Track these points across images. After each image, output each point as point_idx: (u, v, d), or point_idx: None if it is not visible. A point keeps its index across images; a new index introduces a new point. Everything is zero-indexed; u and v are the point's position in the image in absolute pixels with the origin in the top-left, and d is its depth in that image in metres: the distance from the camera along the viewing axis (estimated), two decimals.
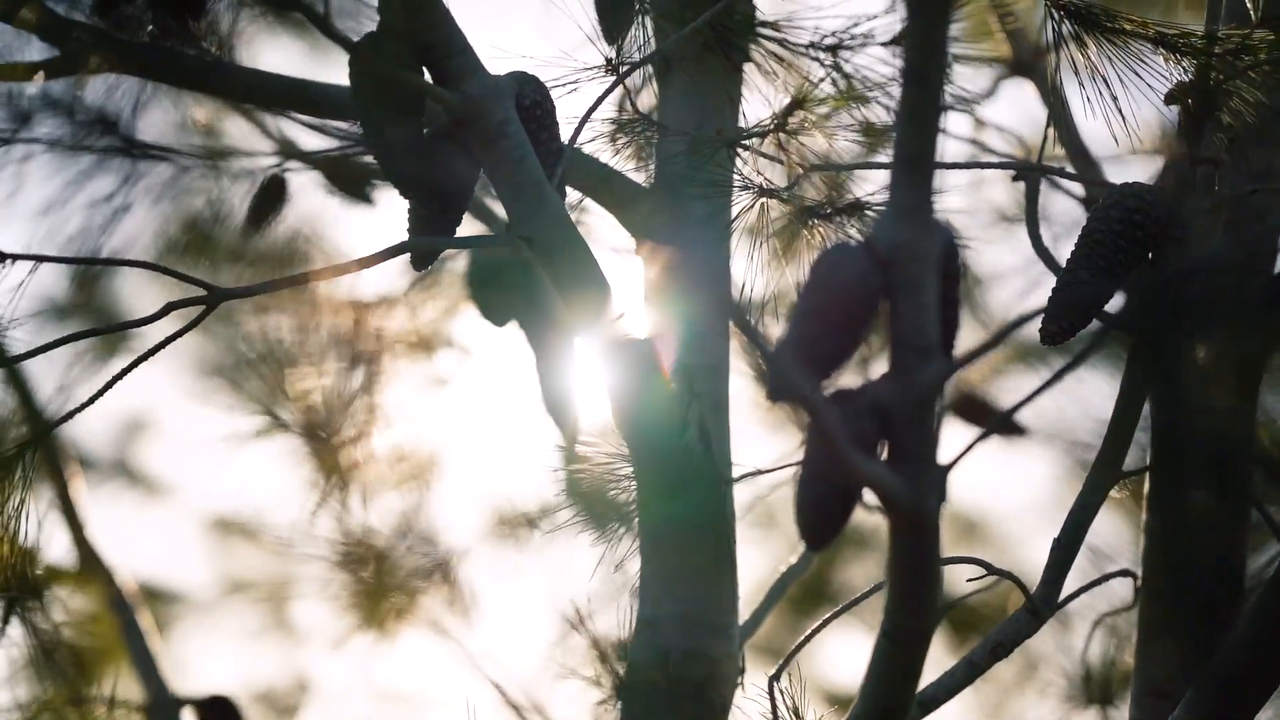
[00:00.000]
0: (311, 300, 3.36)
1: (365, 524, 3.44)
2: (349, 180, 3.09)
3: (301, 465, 3.37)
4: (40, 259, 1.83)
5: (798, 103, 2.22)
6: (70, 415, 1.81)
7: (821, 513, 1.44)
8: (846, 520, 1.48)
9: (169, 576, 4.82)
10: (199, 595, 4.89)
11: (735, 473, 2.30)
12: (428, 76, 1.93)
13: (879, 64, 2.34)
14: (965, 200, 3.25)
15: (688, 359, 2.19)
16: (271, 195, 3.04)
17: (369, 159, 2.79)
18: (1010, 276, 3.62)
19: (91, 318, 3.85)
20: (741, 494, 2.38)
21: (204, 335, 3.78)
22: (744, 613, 2.33)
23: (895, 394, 1.36)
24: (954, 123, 3.21)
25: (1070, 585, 2.15)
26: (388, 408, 3.38)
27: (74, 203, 2.07)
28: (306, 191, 3.09)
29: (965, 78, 2.52)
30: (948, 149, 3.13)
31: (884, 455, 1.39)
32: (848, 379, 1.43)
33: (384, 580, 3.51)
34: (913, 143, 1.28)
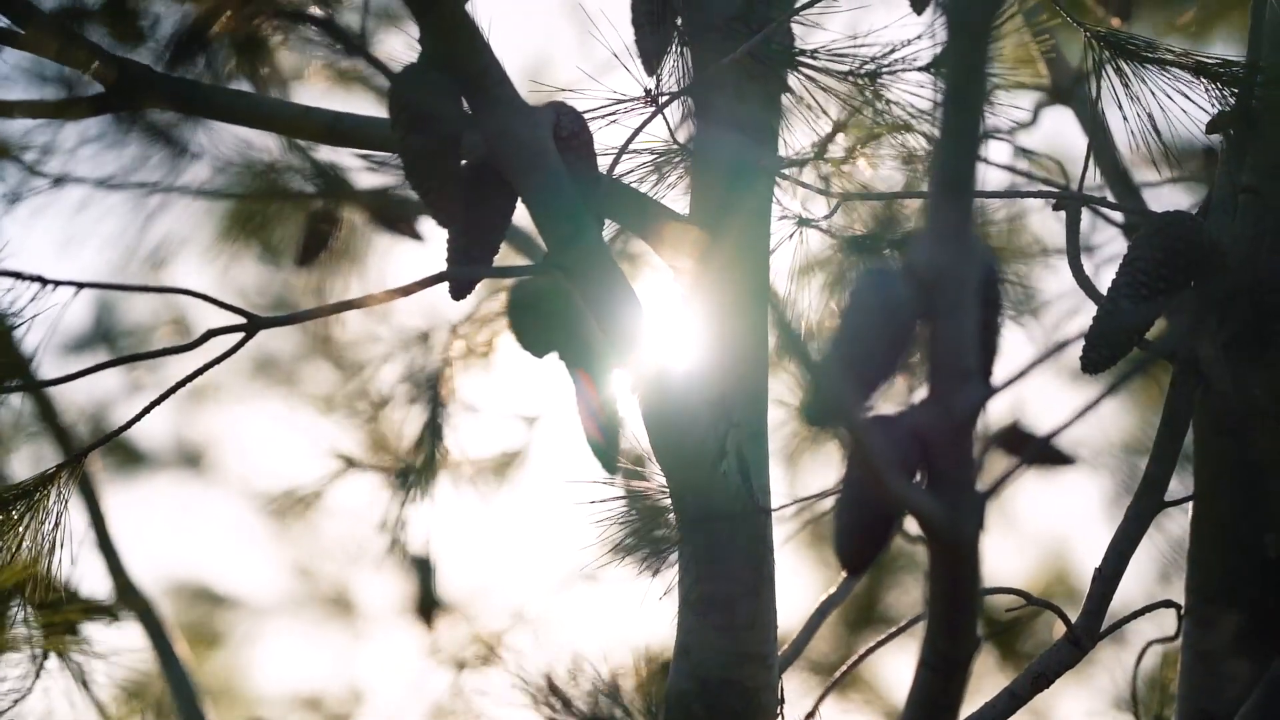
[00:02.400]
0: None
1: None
2: (397, 216, 3.11)
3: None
4: (81, 285, 1.84)
5: (838, 129, 2.22)
6: (106, 440, 1.83)
7: (860, 538, 1.43)
8: (885, 546, 1.48)
9: (228, 574, 4.83)
10: (259, 597, 4.90)
11: (774, 502, 2.30)
12: (466, 107, 1.94)
13: (919, 89, 2.34)
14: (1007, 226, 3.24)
15: (726, 387, 2.18)
16: (322, 229, 3.07)
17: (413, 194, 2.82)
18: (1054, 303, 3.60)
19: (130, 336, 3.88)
20: (780, 523, 2.37)
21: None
22: (783, 642, 2.32)
23: (934, 419, 1.35)
24: (994, 150, 3.20)
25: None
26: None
27: (111, 201, 2.09)
28: (356, 226, 3.12)
29: (1006, 104, 2.51)
30: (988, 177, 3.12)
31: (923, 481, 1.39)
32: (887, 404, 1.43)
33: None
34: (952, 166, 1.28)
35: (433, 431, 3.22)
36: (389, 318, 3.36)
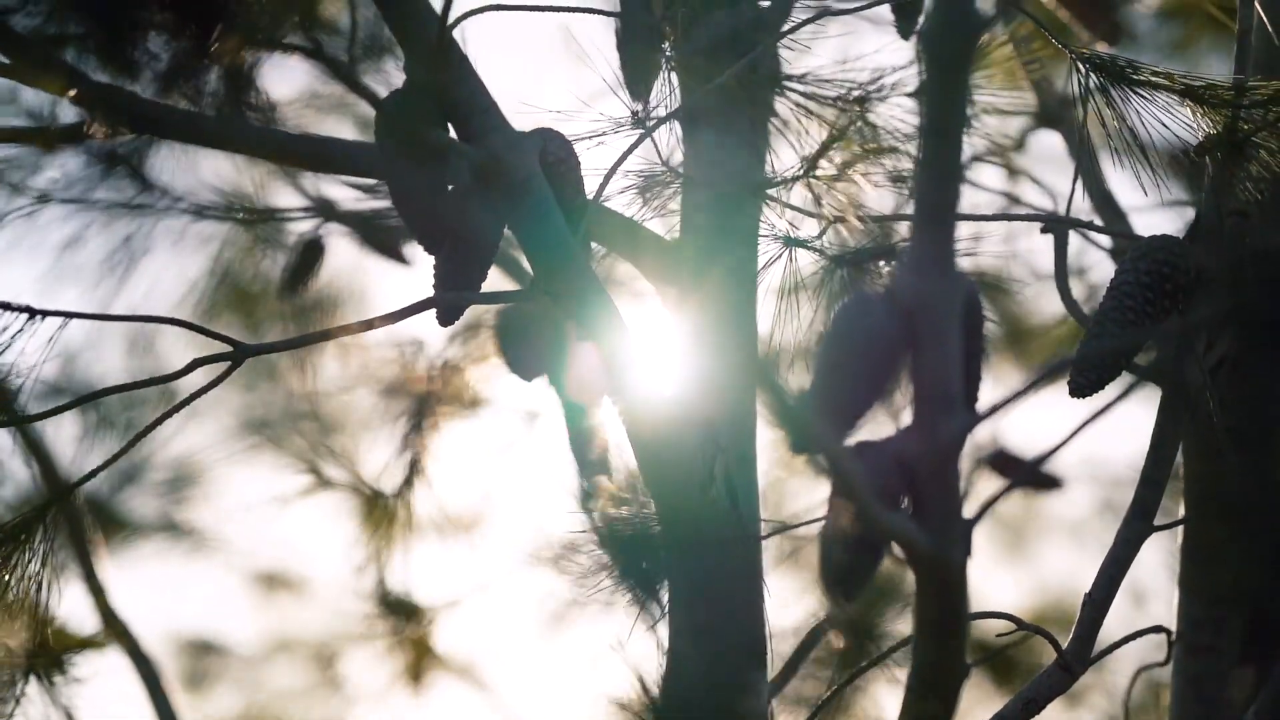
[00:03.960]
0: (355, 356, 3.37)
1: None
2: (384, 240, 3.11)
3: (347, 521, 3.37)
4: (69, 315, 1.83)
5: (825, 149, 2.22)
6: (93, 474, 1.81)
7: (846, 567, 1.43)
8: (872, 575, 1.48)
9: (213, 632, 4.82)
10: (244, 651, 4.88)
11: (763, 527, 2.29)
12: (452, 133, 1.94)
13: (908, 115, 2.34)
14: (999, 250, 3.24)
15: (714, 412, 2.18)
16: (309, 257, 3.06)
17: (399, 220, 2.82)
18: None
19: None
20: (770, 548, 2.36)
21: (245, 391, 3.79)
22: (773, 668, 2.31)
23: (918, 447, 1.35)
24: (984, 174, 3.21)
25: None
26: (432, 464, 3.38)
27: (92, 245, 2.09)
28: (343, 251, 3.12)
29: (993, 127, 2.52)
30: (978, 200, 3.13)
31: (908, 509, 1.39)
32: (873, 431, 1.43)
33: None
34: (933, 194, 1.28)
35: (412, 467, 3.23)
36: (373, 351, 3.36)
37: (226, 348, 1.87)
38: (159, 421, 1.84)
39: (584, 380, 1.98)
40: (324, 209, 3.00)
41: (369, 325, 2.00)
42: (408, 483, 3.29)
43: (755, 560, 2.22)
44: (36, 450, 3.16)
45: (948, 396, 1.33)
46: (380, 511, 3.30)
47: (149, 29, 1.79)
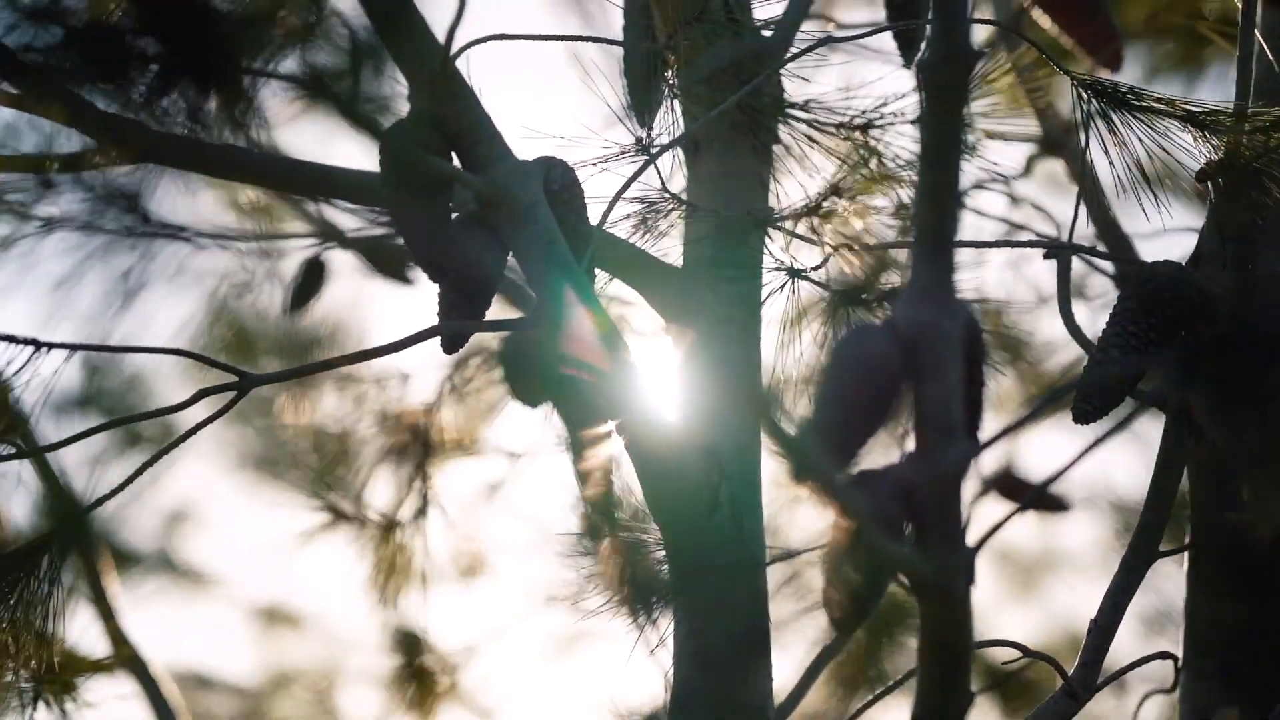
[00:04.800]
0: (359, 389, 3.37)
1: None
2: (387, 261, 3.11)
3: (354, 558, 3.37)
4: (75, 347, 1.84)
5: (833, 191, 2.23)
6: (98, 504, 1.82)
7: (849, 596, 1.43)
8: (876, 604, 1.48)
9: (215, 667, 4.82)
10: (246, 684, 4.88)
11: (768, 553, 2.29)
12: (456, 162, 1.95)
13: (911, 143, 2.35)
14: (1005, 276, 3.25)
15: (718, 439, 2.18)
16: (312, 278, 3.07)
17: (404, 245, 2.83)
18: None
19: (112, 402, 3.87)
20: (775, 574, 2.36)
21: (247, 426, 3.80)
22: (779, 694, 2.31)
23: (920, 475, 1.35)
24: (987, 199, 3.22)
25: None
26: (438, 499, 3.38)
27: (90, 280, 2.09)
28: (346, 273, 3.13)
29: (996, 153, 2.52)
30: (982, 226, 3.13)
31: (911, 537, 1.39)
32: (875, 459, 1.43)
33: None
34: (932, 223, 1.29)
35: (422, 494, 3.23)
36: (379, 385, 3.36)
37: (232, 378, 1.87)
38: (165, 451, 1.85)
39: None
40: (327, 232, 3.01)
41: (372, 355, 2.00)
42: (414, 514, 3.29)
43: (760, 586, 2.22)
44: (44, 470, 3.17)
45: (949, 425, 1.34)
46: (385, 545, 3.30)
47: (147, 62, 1.81)
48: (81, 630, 3.25)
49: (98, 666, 2.75)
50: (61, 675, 2.34)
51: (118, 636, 3.46)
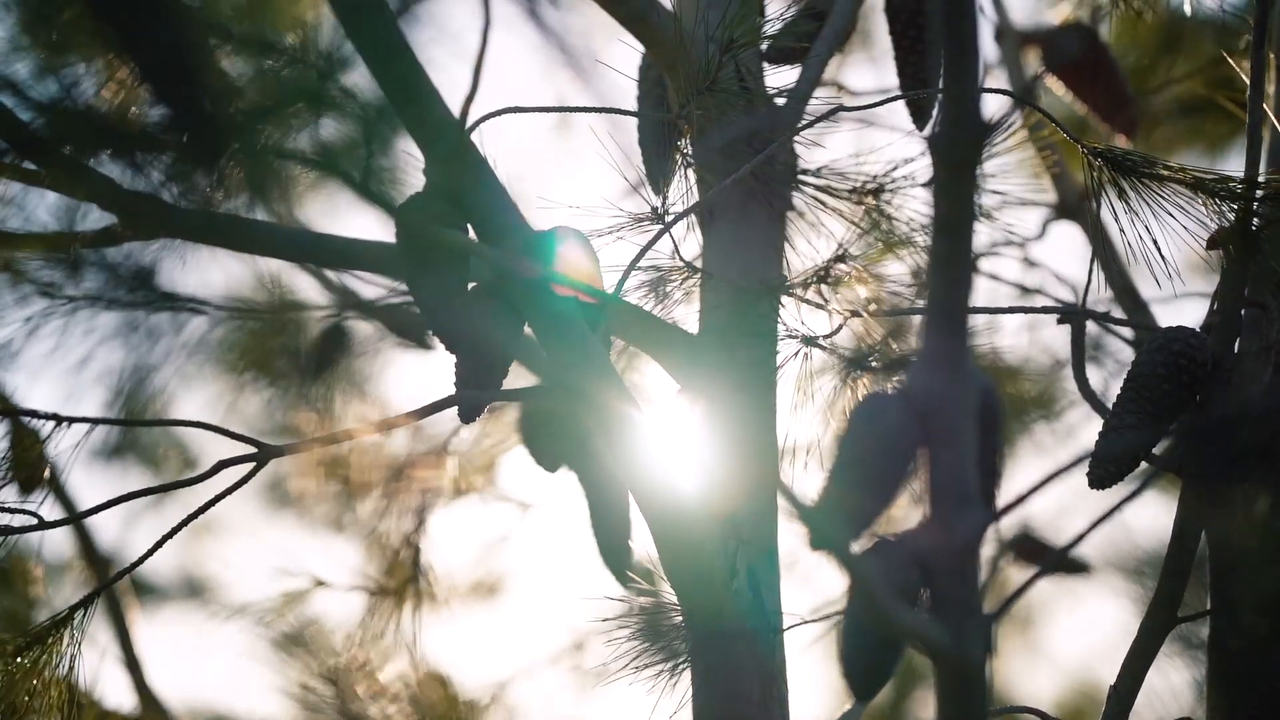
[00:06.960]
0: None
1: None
2: (406, 326, 3.13)
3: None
4: (95, 421, 1.87)
5: (841, 258, 2.25)
6: (122, 575, 1.84)
7: (866, 664, 1.43)
8: (892, 671, 1.48)
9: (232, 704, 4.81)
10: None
11: (785, 619, 2.29)
12: (472, 234, 1.97)
13: (923, 206, 2.36)
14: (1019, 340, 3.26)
15: (735, 505, 2.18)
16: (332, 345, 3.09)
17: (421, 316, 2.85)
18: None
19: (138, 456, 3.91)
20: (793, 640, 2.36)
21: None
22: None
23: (936, 544, 1.36)
24: (1002, 265, 3.23)
25: None
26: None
27: (113, 352, 2.12)
28: (366, 339, 3.15)
29: (1011, 216, 2.53)
30: (997, 290, 3.14)
31: (927, 605, 1.39)
32: (891, 527, 1.43)
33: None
34: (945, 291, 1.30)
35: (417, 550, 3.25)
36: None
37: (250, 449, 1.89)
38: (185, 523, 1.87)
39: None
40: (347, 300, 3.04)
41: (390, 424, 2.02)
42: (422, 565, 3.31)
43: (778, 653, 2.22)
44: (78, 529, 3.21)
45: (964, 493, 1.34)
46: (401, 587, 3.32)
47: (164, 148, 1.84)
48: (109, 683, 3.29)
49: None
50: None
51: (146, 693, 3.49)
